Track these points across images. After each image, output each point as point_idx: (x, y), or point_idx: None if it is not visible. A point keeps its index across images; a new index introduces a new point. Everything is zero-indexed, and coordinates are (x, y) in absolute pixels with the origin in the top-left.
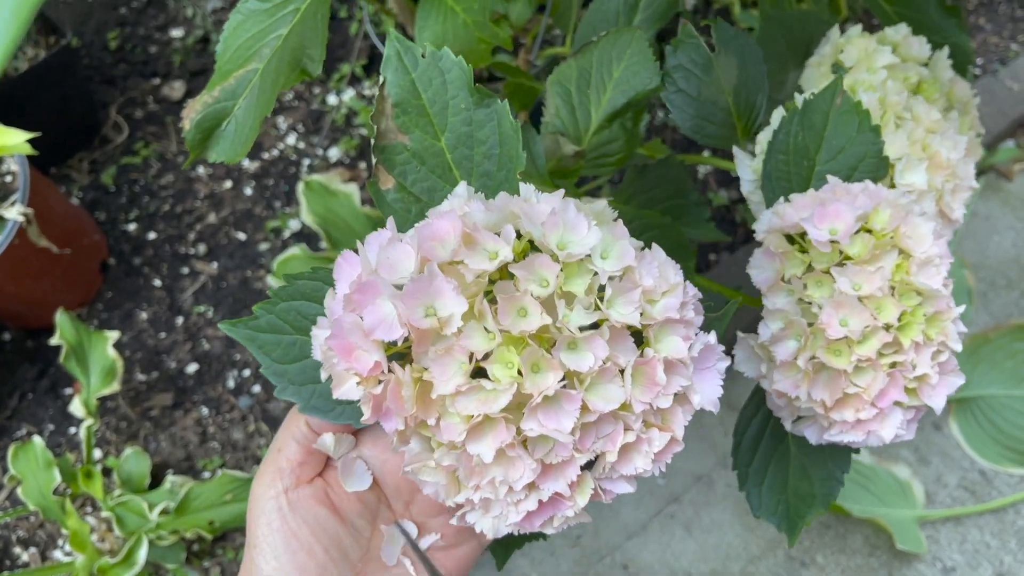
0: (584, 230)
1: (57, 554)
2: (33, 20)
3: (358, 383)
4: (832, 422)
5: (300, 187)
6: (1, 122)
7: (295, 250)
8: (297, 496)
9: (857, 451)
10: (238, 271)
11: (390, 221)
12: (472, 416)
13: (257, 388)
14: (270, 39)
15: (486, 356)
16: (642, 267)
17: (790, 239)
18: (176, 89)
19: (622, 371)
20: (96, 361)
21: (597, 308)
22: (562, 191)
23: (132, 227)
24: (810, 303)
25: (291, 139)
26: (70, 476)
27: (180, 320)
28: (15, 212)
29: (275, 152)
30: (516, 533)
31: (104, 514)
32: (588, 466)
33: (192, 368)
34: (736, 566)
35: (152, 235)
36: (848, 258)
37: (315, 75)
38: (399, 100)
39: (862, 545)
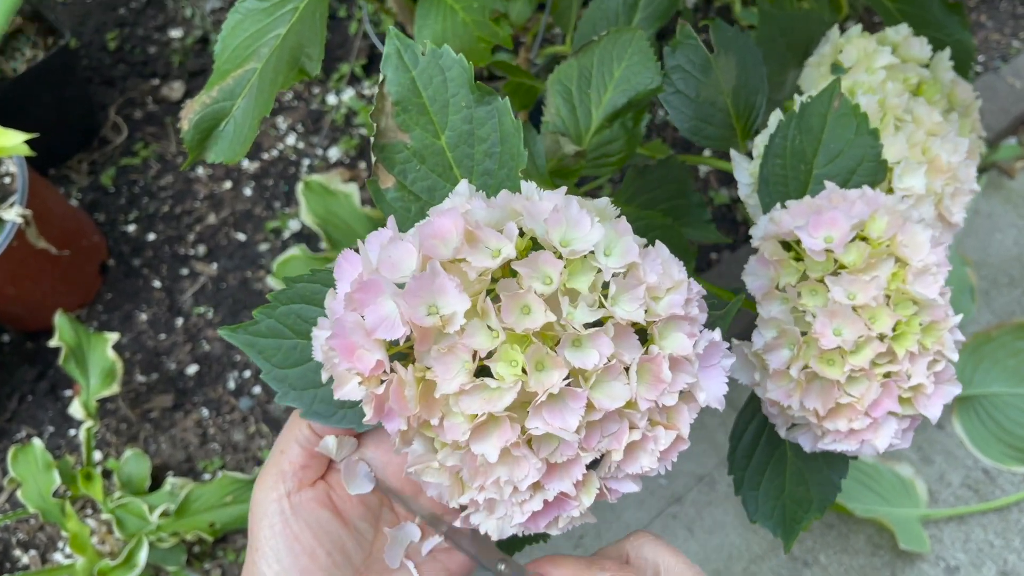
0: (587, 227)
1: (57, 556)
2: (32, 20)
3: (360, 383)
4: (825, 431)
5: (300, 187)
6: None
7: (295, 251)
8: (299, 499)
9: (855, 457)
10: (238, 272)
11: (391, 220)
12: (476, 415)
13: (257, 389)
14: (268, 38)
15: (490, 354)
16: (646, 264)
17: (786, 246)
18: (175, 90)
19: (627, 368)
20: (96, 363)
21: (601, 305)
22: (564, 188)
23: (131, 228)
24: (804, 312)
25: (291, 139)
26: (70, 478)
27: (180, 321)
28: (14, 213)
29: (275, 152)
30: (520, 534)
31: (104, 516)
32: (593, 465)
33: (192, 369)
34: (738, 566)
35: (152, 236)
36: (843, 266)
37: (313, 74)
38: (399, 98)
39: (865, 545)
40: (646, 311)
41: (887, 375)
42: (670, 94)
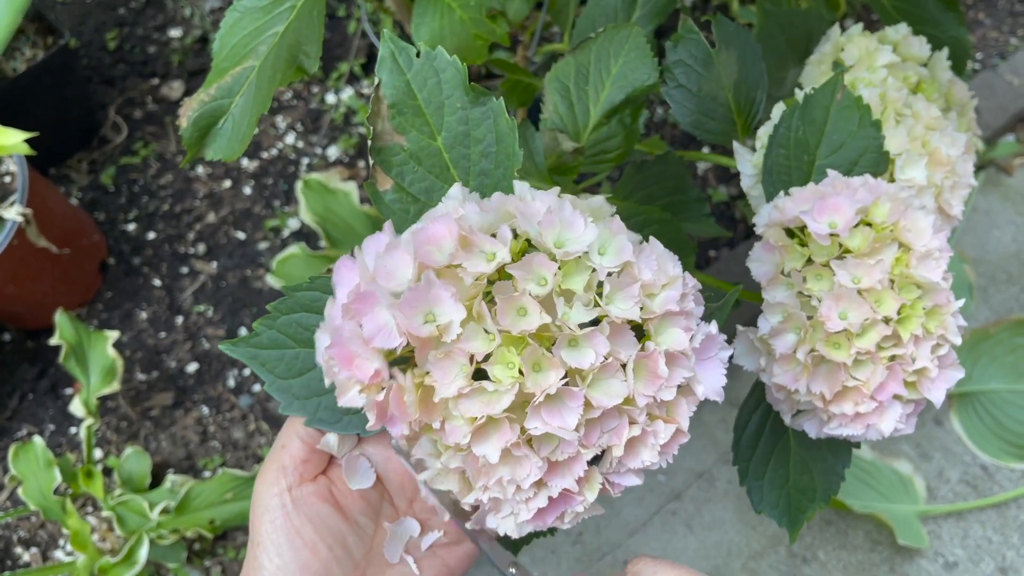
0: (581, 227)
1: (58, 554)
2: (31, 20)
3: (360, 391)
4: (831, 415)
5: (299, 186)
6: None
7: (294, 249)
8: (301, 493)
9: (858, 445)
10: (237, 270)
11: (387, 225)
12: (475, 418)
13: (257, 387)
14: (266, 36)
15: (486, 358)
16: (640, 261)
17: (790, 233)
18: (175, 89)
19: (624, 366)
20: (96, 361)
21: (596, 304)
22: (557, 188)
23: (131, 227)
24: (809, 296)
25: (290, 138)
26: (71, 476)
27: (180, 319)
28: (14, 212)
29: (274, 151)
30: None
31: (105, 514)
32: (595, 461)
33: (192, 367)
34: (737, 563)
35: (151, 235)
36: (848, 251)
37: (311, 72)
38: (395, 101)
39: (863, 541)
40: (641, 308)
41: (892, 358)
42: (672, 88)
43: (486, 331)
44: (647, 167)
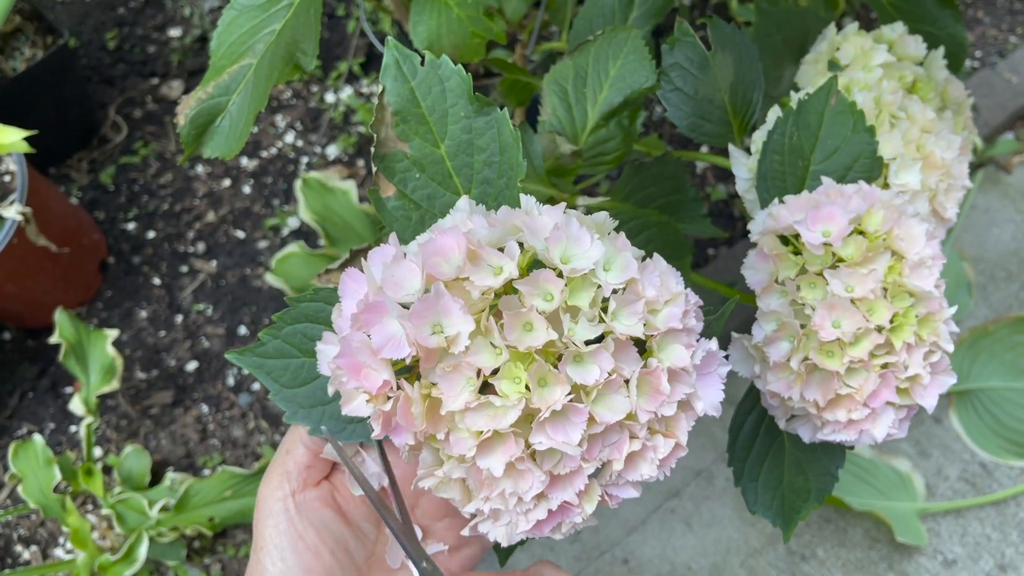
0: (587, 243)
1: (58, 552)
2: (31, 20)
3: (367, 400)
4: (825, 422)
5: (298, 184)
6: None
7: (293, 248)
8: (304, 499)
9: (852, 447)
10: (237, 269)
11: (392, 237)
12: (481, 431)
13: (256, 386)
14: (263, 34)
15: (494, 372)
16: (644, 278)
17: (784, 240)
18: (175, 88)
19: (627, 382)
20: (96, 359)
21: (601, 321)
22: (563, 204)
23: (131, 226)
24: (803, 305)
25: (289, 137)
26: (70, 474)
27: (179, 318)
28: (13, 211)
29: (273, 150)
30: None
31: (104, 512)
32: (595, 473)
33: (192, 366)
34: (736, 560)
35: (151, 234)
36: (841, 260)
37: (308, 70)
38: (399, 108)
39: (862, 538)
40: (645, 325)
41: (885, 366)
42: (668, 91)
43: (493, 345)
44: (645, 168)
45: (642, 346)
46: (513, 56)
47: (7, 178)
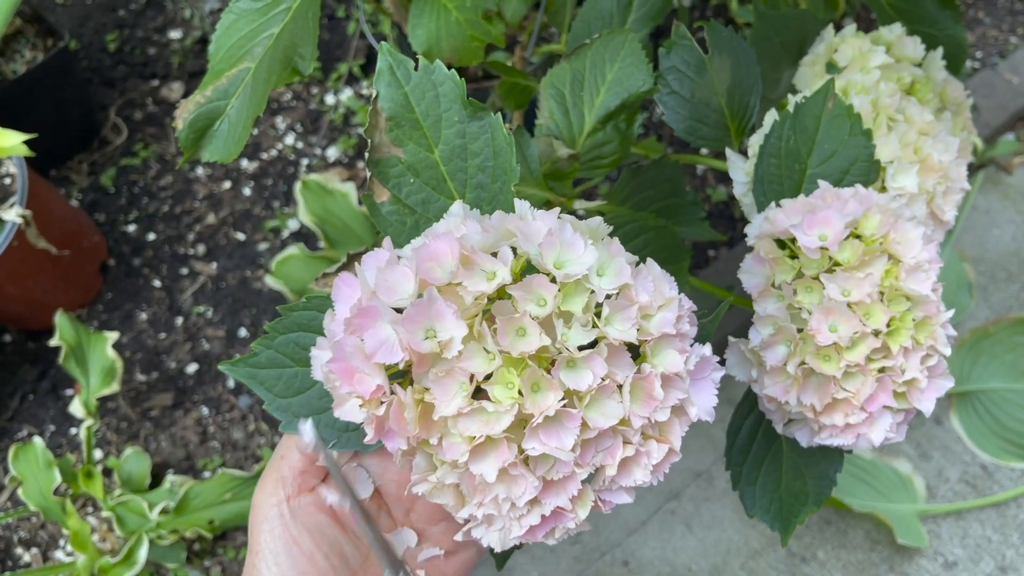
0: (581, 249)
1: (58, 554)
2: (31, 22)
3: (361, 405)
4: (822, 426)
5: (298, 187)
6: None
7: (293, 250)
8: (299, 504)
9: (850, 451)
10: (237, 271)
11: (387, 241)
12: (474, 437)
13: None
14: (262, 38)
15: (487, 377)
16: (638, 283)
17: (781, 244)
18: (175, 90)
19: (620, 387)
20: (96, 362)
21: (595, 326)
22: (557, 209)
23: (131, 228)
24: (800, 309)
25: (289, 139)
26: (71, 476)
27: (180, 320)
28: (14, 214)
29: (273, 152)
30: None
31: (105, 514)
32: (588, 478)
33: (192, 368)
34: (736, 561)
35: (151, 236)
36: (837, 264)
37: (306, 73)
38: (392, 113)
39: (863, 540)
40: (638, 330)
41: (882, 370)
42: (665, 95)
43: (486, 351)
44: (643, 171)
45: (635, 351)
46: (513, 58)
47: (7, 181)
